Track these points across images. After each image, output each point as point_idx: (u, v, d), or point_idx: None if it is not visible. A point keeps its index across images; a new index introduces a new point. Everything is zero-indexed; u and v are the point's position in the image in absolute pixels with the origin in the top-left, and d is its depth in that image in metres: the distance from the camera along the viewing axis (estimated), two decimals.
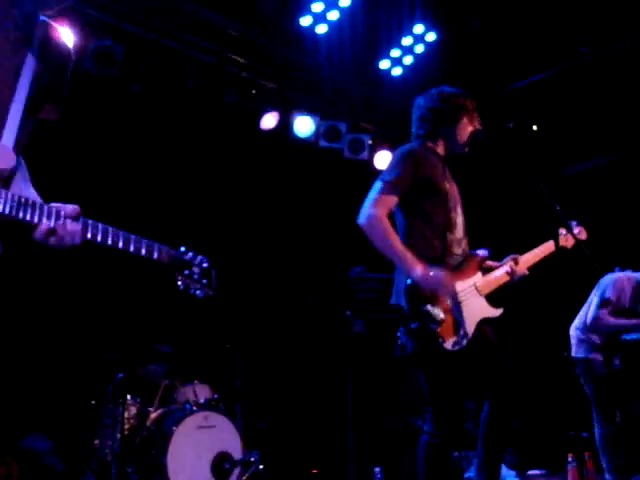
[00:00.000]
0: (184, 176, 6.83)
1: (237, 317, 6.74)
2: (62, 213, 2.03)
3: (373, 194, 3.48)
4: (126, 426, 5.42)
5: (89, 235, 2.11)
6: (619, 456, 5.38)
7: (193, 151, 6.87)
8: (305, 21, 6.35)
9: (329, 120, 7.43)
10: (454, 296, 3.39)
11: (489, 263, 3.80)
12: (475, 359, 3.47)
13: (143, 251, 2.27)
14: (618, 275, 5.73)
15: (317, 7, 6.25)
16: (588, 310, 5.69)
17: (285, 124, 7.18)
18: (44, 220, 2.00)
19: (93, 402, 5.58)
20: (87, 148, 6.18)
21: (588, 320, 5.60)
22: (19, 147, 2.03)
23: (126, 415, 5.43)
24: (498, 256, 3.91)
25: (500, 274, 3.76)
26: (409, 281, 3.31)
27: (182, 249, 2.47)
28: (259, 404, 6.62)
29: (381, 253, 3.41)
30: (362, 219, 3.43)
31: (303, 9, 6.28)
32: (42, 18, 2.13)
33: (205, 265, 2.53)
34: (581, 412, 6.27)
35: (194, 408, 5.43)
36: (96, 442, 5.45)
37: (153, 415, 5.56)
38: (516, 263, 3.81)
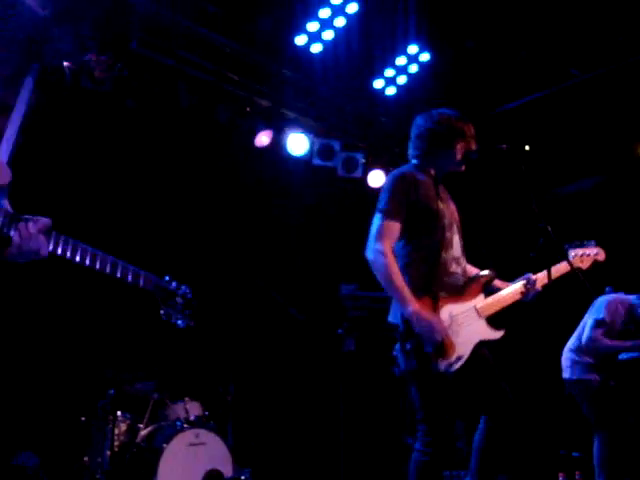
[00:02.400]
0: (177, 193, 6.84)
1: (229, 335, 6.73)
2: (30, 224, 2.03)
3: (375, 227, 3.55)
4: (116, 443, 5.38)
5: (59, 251, 2.11)
6: (617, 476, 5.38)
7: (186, 168, 6.87)
8: (300, 40, 6.39)
9: (323, 138, 7.47)
10: (451, 320, 3.42)
11: (497, 283, 3.83)
12: (470, 380, 3.49)
13: (130, 277, 2.27)
14: (611, 297, 5.76)
15: (312, 27, 6.30)
16: (582, 332, 5.71)
17: (279, 142, 7.21)
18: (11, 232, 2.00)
19: (83, 418, 5.54)
20: (79, 163, 6.18)
21: (583, 341, 5.62)
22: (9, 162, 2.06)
23: (116, 432, 5.40)
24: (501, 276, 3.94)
25: (508, 293, 3.78)
26: (407, 308, 3.36)
27: (166, 278, 2.47)
28: (250, 422, 6.60)
29: (381, 285, 3.47)
30: (369, 254, 3.52)
31: (298, 28, 6.33)
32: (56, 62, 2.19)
33: (189, 296, 2.53)
34: (572, 432, 6.28)
35: (185, 425, 5.41)
36: (86, 459, 5.41)
37: (143, 432, 5.53)
38: (531, 281, 3.83)
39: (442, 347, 3.32)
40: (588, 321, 5.70)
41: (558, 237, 3.65)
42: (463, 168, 3.82)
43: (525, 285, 3.83)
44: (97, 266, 2.18)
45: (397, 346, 3.46)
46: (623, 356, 5.74)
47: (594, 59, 6.56)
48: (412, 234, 3.58)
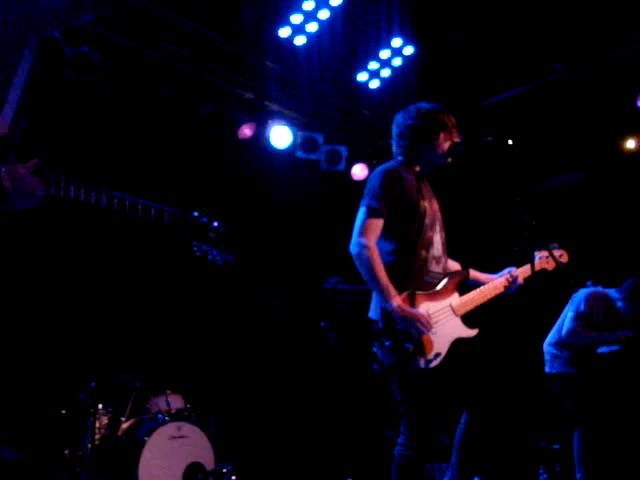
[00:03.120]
0: (159, 186, 6.79)
1: (211, 328, 6.71)
2: (19, 165, 1.99)
3: (360, 222, 3.54)
4: (97, 436, 5.36)
5: (61, 192, 2.05)
6: (597, 469, 5.43)
7: (169, 160, 6.84)
8: (284, 32, 6.36)
9: (306, 131, 7.45)
10: (429, 317, 3.42)
11: (480, 277, 3.85)
12: (449, 376, 3.51)
13: (152, 213, 2.17)
14: (591, 290, 5.81)
15: (296, 19, 6.27)
16: (562, 325, 5.75)
17: (262, 135, 7.18)
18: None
19: (64, 412, 5.50)
20: (61, 154, 6.13)
21: (563, 333, 5.67)
22: (14, 129, 2.03)
23: (97, 425, 5.37)
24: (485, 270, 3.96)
25: (488, 288, 3.82)
26: (384, 305, 3.38)
27: (195, 214, 2.36)
28: (232, 415, 6.59)
29: (365, 280, 3.48)
30: (353, 248, 3.51)
31: (282, 20, 6.30)
32: (55, 34, 2.17)
33: (222, 229, 2.41)
34: (552, 424, 6.33)
35: (166, 418, 5.40)
36: (66, 452, 5.38)
37: (125, 425, 5.51)
38: (513, 275, 3.88)
39: (421, 344, 3.34)
40: (568, 314, 5.74)
41: (542, 231, 3.66)
42: (449, 161, 3.81)
43: (507, 279, 3.85)
44: (103, 202, 2.08)
45: (377, 342, 3.46)
46: (602, 350, 5.78)
47: (578, 54, 6.59)
48: (393, 231, 3.58)
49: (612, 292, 5.83)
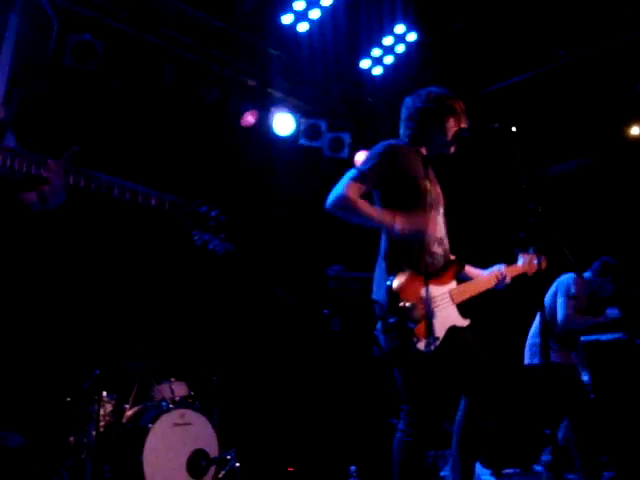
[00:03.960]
0: (160, 173, 6.79)
1: (215, 315, 6.72)
2: (53, 161, 1.99)
3: (344, 179, 3.52)
4: (102, 423, 5.38)
5: (92, 186, 2.04)
6: (589, 457, 5.43)
7: (171, 148, 6.83)
8: (287, 19, 6.35)
9: (309, 118, 7.43)
10: (429, 300, 3.41)
11: (471, 272, 3.85)
12: (449, 361, 3.50)
13: (153, 202, 2.16)
14: (572, 274, 5.75)
15: (299, 5, 6.26)
16: (549, 313, 5.71)
17: (265, 122, 7.17)
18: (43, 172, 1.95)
19: (68, 399, 5.52)
20: (64, 142, 6.13)
21: (559, 321, 5.62)
22: (10, 108, 2.01)
23: (102, 412, 5.39)
24: (476, 260, 3.95)
25: (480, 282, 3.81)
26: (389, 282, 3.34)
27: (197, 202, 2.34)
28: (236, 402, 6.61)
29: (361, 225, 3.49)
30: (330, 200, 3.49)
31: (285, 7, 6.28)
32: None
33: (221, 218, 2.39)
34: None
35: (170, 405, 5.41)
36: (71, 439, 5.40)
37: (129, 412, 5.53)
38: (502, 273, 3.87)
39: (422, 324, 3.32)
40: (559, 300, 5.68)
41: (547, 218, 3.65)
42: (454, 149, 3.81)
43: (497, 276, 3.85)
44: (115, 192, 2.08)
45: (379, 325, 3.46)
46: (606, 337, 5.78)
47: (582, 40, 6.55)
48: (398, 205, 3.53)
49: (586, 275, 5.81)
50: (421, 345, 3.30)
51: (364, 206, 3.44)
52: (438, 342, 3.35)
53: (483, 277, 3.84)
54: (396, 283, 3.33)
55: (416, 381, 3.44)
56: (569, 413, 5.53)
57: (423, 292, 3.40)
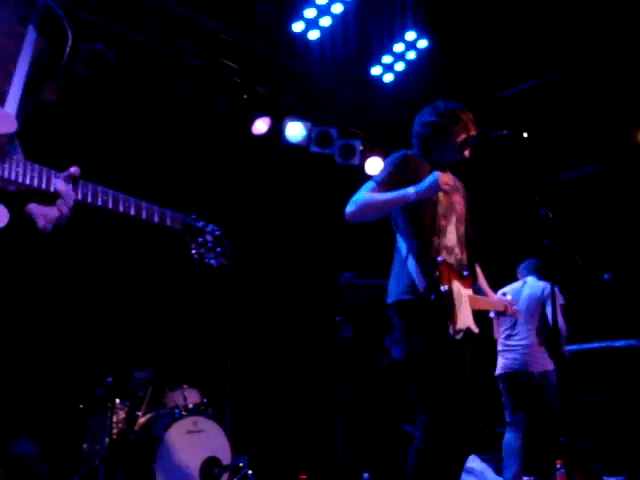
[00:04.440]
0: (173, 182, 6.82)
1: (227, 322, 6.73)
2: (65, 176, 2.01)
3: (362, 190, 3.63)
4: (114, 430, 5.39)
5: (99, 202, 2.07)
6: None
7: (183, 156, 6.86)
8: (297, 27, 6.36)
9: (320, 126, 7.45)
10: (459, 294, 3.52)
11: (485, 288, 3.97)
12: (455, 361, 3.53)
13: (156, 218, 2.20)
14: (547, 283, 5.77)
15: (310, 13, 6.27)
16: (540, 321, 5.77)
17: (276, 129, 7.19)
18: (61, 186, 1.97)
19: (81, 406, 5.55)
20: (76, 152, 6.17)
21: (564, 330, 5.68)
22: (19, 119, 2.03)
23: (114, 419, 5.40)
24: (487, 267, 4.00)
25: (491, 300, 4.02)
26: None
27: (193, 216, 2.40)
28: (248, 409, 6.61)
29: (386, 213, 3.64)
30: (349, 210, 3.60)
31: (296, 15, 6.30)
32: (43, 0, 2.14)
33: (218, 233, 2.44)
34: (571, 419, 6.30)
35: (183, 413, 5.41)
36: (84, 446, 5.42)
37: (142, 419, 5.54)
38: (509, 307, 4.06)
39: (454, 311, 3.43)
40: (548, 309, 5.70)
41: (558, 224, 3.65)
42: (466, 155, 3.84)
43: (505, 306, 4.04)
44: (120, 208, 2.11)
45: (395, 333, 3.52)
46: (599, 345, 5.83)
47: (592, 45, 6.54)
48: (410, 216, 3.65)
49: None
50: (451, 330, 3.40)
51: (377, 197, 3.55)
52: (460, 335, 3.45)
53: (494, 298, 4.05)
54: (440, 266, 3.46)
55: (441, 374, 3.46)
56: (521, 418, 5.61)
57: (454, 284, 3.52)
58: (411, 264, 3.57)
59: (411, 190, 3.48)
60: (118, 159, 6.31)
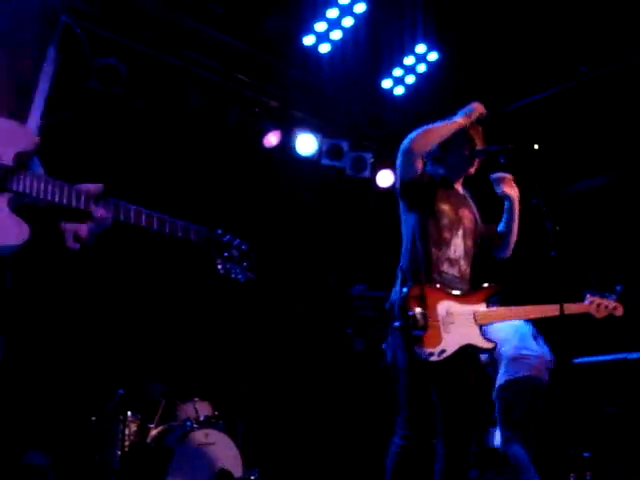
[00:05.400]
0: (184, 194, 6.84)
1: (238, 335, 6.74)
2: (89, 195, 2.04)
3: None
4: (126, 443, 5.40)
5: (121, 217, 2.10)
6: None
7: (195, 169, 6.88)
8: (308, 40, 6.40)
9: (331, 138, 7.47)
10: (446, 315, 3.51)
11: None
12: (451, 379, 3.55)
13: (180, 233, 2.22)
14: None
15: (320, 27, 6.31)
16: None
17: (288, 142, 7.21)
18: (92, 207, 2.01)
19: (93, 418, 5.56)
20: (89, 166, 6.20)
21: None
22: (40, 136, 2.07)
23: (126, 432, 5.41)
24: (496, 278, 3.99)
25: (518, 310, 3.99)
26: (405, 289, 3.50)
27: (219, 231, 2.40)
28: (259, 422, 6.61)
29: (435, 141, 3.74)
30: (410, 136, 3.73)
31: (306, 28, 6.34)
32: (63, 18, 2.18)
33: (244, 247, 2.44)
34: (582, 431, 6.26)
35: (195, 425, 5.42)
36: (96, 459, 5.42)
37: (153, 432, 5.54)
38: None
39: (427, 333, 3.42)
40: None
41: (567, 236, 3.64)
42: (474, 170, 3.85)
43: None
44: (143, 222, 2.13)
45: (389, 338, 3.58)
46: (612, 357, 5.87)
47: (604, 56, 6.53)
48: (416, 221, 3.69)
49: None
50: (422, 353, 3.40)
51: (432, 126, 3.70)
52: (445, 355, 3.44)
53: (523, 307, 3.98)
54: (410, 292, 3.48)
55: (412, 388, 3.52)
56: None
57: (439, 305, 3.51)
58: (398, 277, 3.67)
59: (458, 121, 3.69)
60: (130, 172, 6.34)
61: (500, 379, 5.57)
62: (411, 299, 3.45)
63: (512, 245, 3.98)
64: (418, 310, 3.42)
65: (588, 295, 4.20)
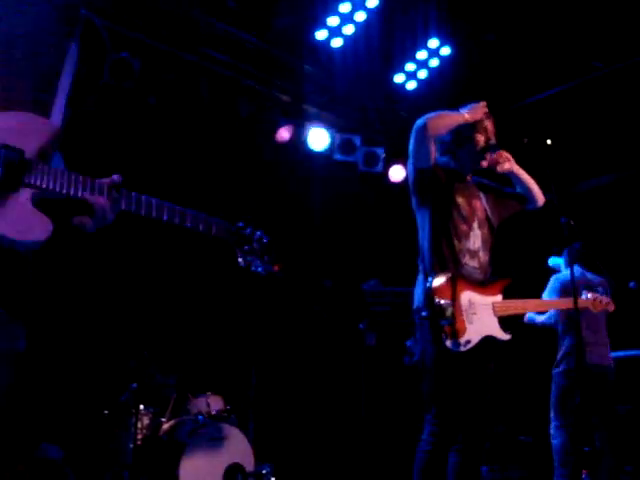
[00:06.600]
0: (197, 187, 6.86)
1: (251, 329, 6.75)
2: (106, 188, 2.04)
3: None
4: (139, 436, 5.42)
5: (123, 205, 2.07)
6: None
7: (208, 163, 6.90)
8: (321, 35, 6.39)
9: (344, 133, 7.46)
10: (469, 305, 3.51)
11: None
12: (474, 369, 3.54)
13: (201, 227, 2.20)
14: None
15: (333, 21, 6.30)
16: None
17: (300, 137, 7.21)
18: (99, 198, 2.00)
19: (106, 412, 5.58)
20: (103, 160, 6.22)
21: None
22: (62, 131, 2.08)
23: (139, 425, 5.43)
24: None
25: (528, 303, 4.08)
26: (430, 280, 3.51)
27: (240, 224, 2.39)
28: (272, 416, 6.62)
29: (450, 127, 3.75)
30: (424, 116, 3.73)
31: (319, 23, 6.33)
32: (83, 11, 2.19)
33: (265, 240, 2.42)
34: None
35: (207, 419, 5.43)
36: (109, 452, 5.45)
37: (166, 426, 5.56)
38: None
39: (454, 324, 3.43)
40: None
41: (580, 232, 3.64)
42: (486, 164, 3.84)
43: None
44: (165, 217, 2.12)
45: (417, 334, 3.56)
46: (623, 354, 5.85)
47: (617, 51, 6.49)
48: (431, 213, 3.69)
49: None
50: (449, 343, 3.40)
51: (442, 113, 3.73)
52: (470, 345, 3.45)
53: (537, 300, 4.20)
54: (435, 282, 3.49)
55: (442, 381, 3.50)
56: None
57: (462, 295, 3.52)
58: (422, 270, 3.67)
59: (462, 115, 3.69)
60: (144, 166, 6.36)
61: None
62: (437, 289, 3.46)
63: (539, 192, 3.96)
64: (445, 300, 3.45)
65: (584, 291, 4.30)
